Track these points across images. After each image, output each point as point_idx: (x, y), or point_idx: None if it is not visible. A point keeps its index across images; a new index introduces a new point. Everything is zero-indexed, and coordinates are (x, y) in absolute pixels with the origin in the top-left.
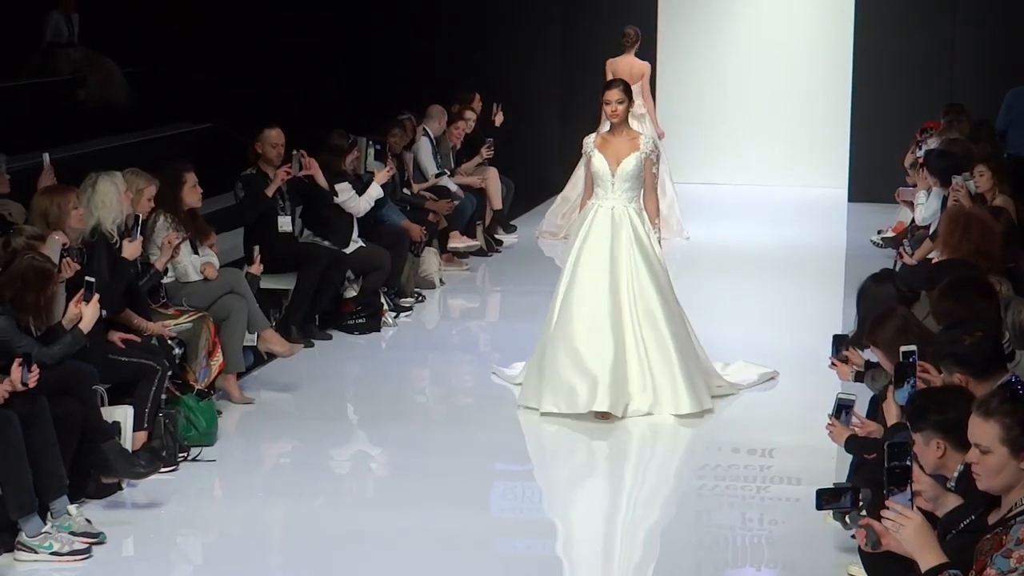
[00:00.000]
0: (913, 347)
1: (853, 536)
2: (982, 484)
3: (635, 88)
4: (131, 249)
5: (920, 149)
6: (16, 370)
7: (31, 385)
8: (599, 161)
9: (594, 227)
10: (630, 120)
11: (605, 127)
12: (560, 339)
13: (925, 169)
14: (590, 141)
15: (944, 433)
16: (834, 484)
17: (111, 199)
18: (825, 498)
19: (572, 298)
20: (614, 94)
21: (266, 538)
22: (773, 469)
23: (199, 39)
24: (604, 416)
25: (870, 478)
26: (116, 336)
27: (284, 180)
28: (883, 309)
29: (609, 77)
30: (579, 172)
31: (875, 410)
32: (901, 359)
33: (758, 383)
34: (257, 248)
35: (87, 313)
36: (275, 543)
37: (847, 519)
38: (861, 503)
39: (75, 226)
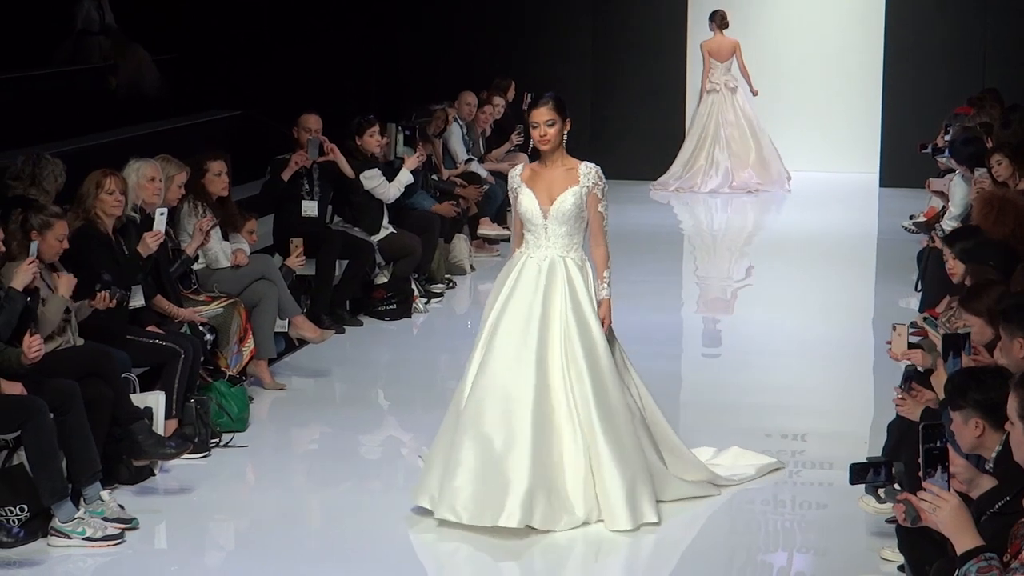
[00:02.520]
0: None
1: (890, 520)
2: (1016, 456)
3: (728, 63)
4: (148, 242)
5: (947, 134)
6: None
7: None
8: (527, 199)
9: (520, 284)
10: (718, 91)
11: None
12: (470, 425)
13: (951, 156)
14: (516, 174)
15: (984, 412)
16: (867, 458)
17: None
18: (858, 472)
19: (488, 373)
20: (542, 114)
21: (298, 523)
22: (805, 454)
23: (230, 26)
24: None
25: (911, 457)
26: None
27: (298, 165)
28: (982, 279)
29: (706, 59)
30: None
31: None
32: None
33: (755, 477)
34: (297, 241)
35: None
36: (307, 528)
37: (881, 493)
38: (895, 476)
39: (108, 211)
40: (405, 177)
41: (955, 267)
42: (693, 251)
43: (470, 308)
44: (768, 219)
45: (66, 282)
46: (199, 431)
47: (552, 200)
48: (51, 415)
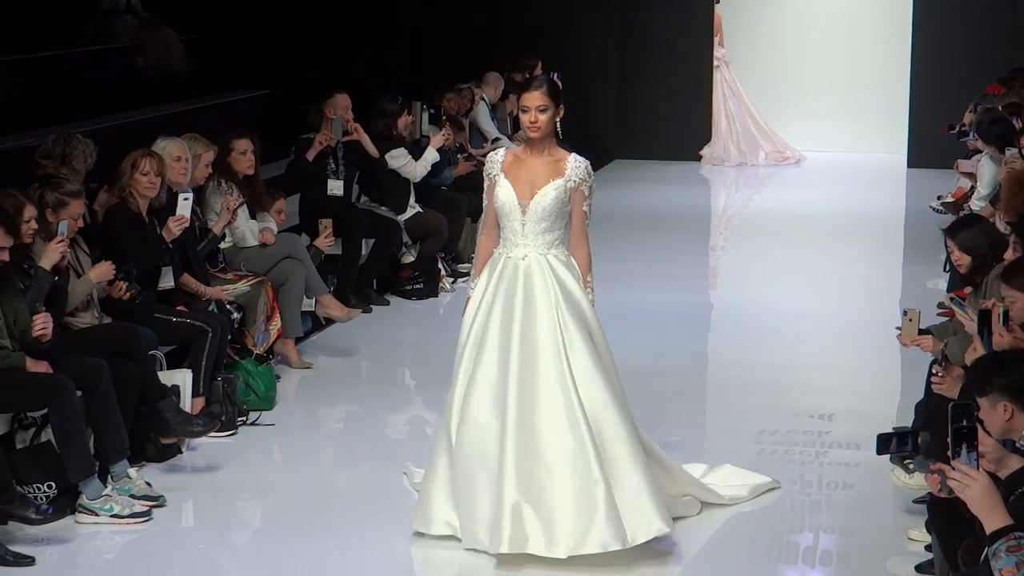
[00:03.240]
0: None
1: (919, 500)
2: None
3: (720, 39)
4: (172, 227)
5: (974, 114)
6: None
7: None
8: (505, 191)
9: (500, 290)
10: (717, 67)
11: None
12: (469, 445)
13: (978, 136)
14: (496, 160)
15: (1011, 395)
16: (893, 428)
17: None
18: (884, 442)
19: (474, 394)
20: (534, 98)
21: (324, 502)
22: (832, 434)
23: (256, 6)
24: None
25: (940, 436)
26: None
27: (322, 144)
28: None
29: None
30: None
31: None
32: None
33: (748, 498)
34: (326, 222)
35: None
36: (333, 507)
37: (910, 465)
38: (920, 446)
39: (142, 192)
40: (431, 155)
41: (961, 259)
42: (720, 230)
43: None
44: (796, 199)
45: (101, 270)
46: (226, 409)
47: (533, 193)
48: (78, 393)
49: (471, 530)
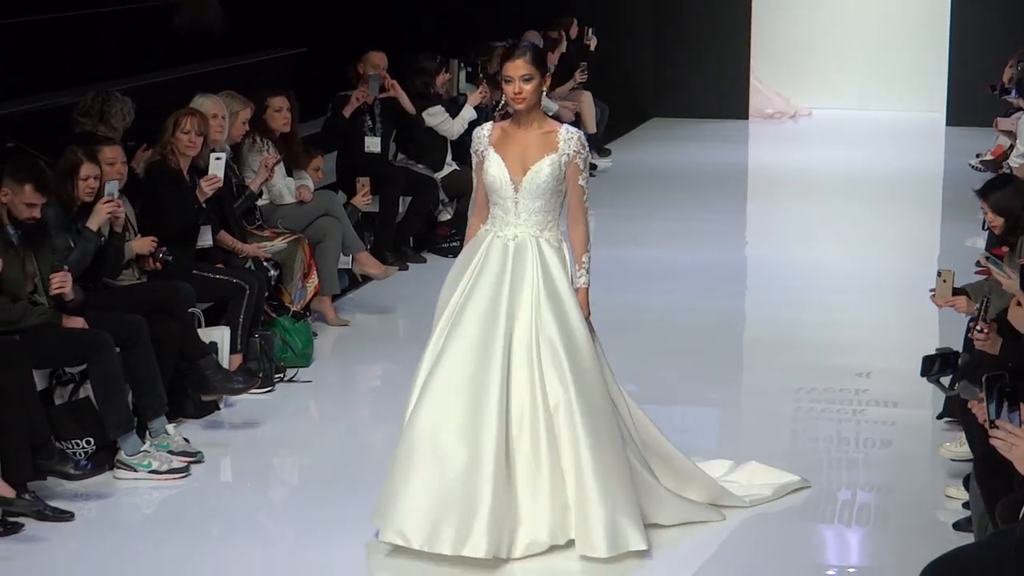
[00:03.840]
0: None
1: (956, 460)
2: None
3: None
4: (204, 188)
5: (1015, 70)
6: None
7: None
8: (496, 166)
9: (485, 268)
10: None
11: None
12: (422, 436)
13: (1018, 94)
14: (483, 135)
15: None
16: (936, 350)
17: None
18: (929, 363)
19: (440, 374)
20: (518, 67)
21: (361, 459)
22: (869, 392)
23: None
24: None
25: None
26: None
27: (359, 101)
28: None
29: None
30: None
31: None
32: None
33: (772, 498)
34: (364, 180)
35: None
36: (370, 463)
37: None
38: (960, 365)
39: (183, 150)
40: (468, 113)
41: (994, 220)
42: (757, 188)
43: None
44: (834, 157)
45: (141, 243)
46: (263, 366)
47: (525, 169)
48: (117, 349)
49: (396, 525)
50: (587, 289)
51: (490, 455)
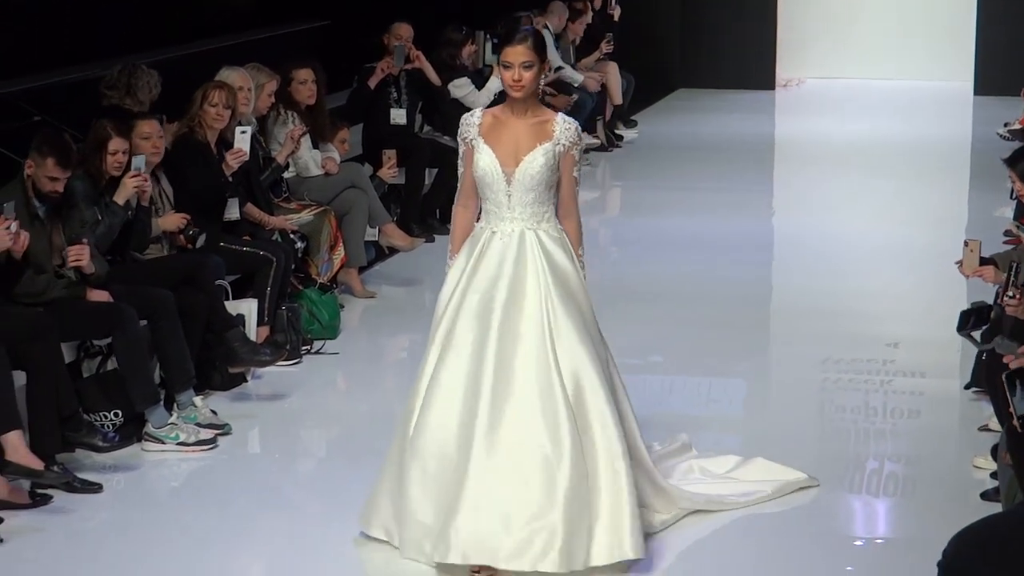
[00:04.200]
0: None
1: (983, 428)
2: None
3: None
4: (230, 161)
5: None
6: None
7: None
8: (486, 158)
9: (482, 266)
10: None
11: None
12: (432, 449)
13: None
14: (473, 122)
15: None
16: (972, 304)
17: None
18: (965, 316)
19: (442, 382)
20: (518, 53)
21: (388, 430)
22: (897, 363)
23: None
24: (481, 571)
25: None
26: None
27: (384, 72)
28: None
29: None
30: None
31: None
32: None
33: (771, 497)
34: (390, 153)
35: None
36: None
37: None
38: (992, 319)
39: (210, 123)
40: (494, 85)
41: (1022, 189)
42: (784, 158)
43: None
44: (862, 127)
45: (172, 220)
46: (290, 338)
47: (518, 160)
48: (142, 323)
49: (414, 539)
50: (584, 281)
51: (476, 458)
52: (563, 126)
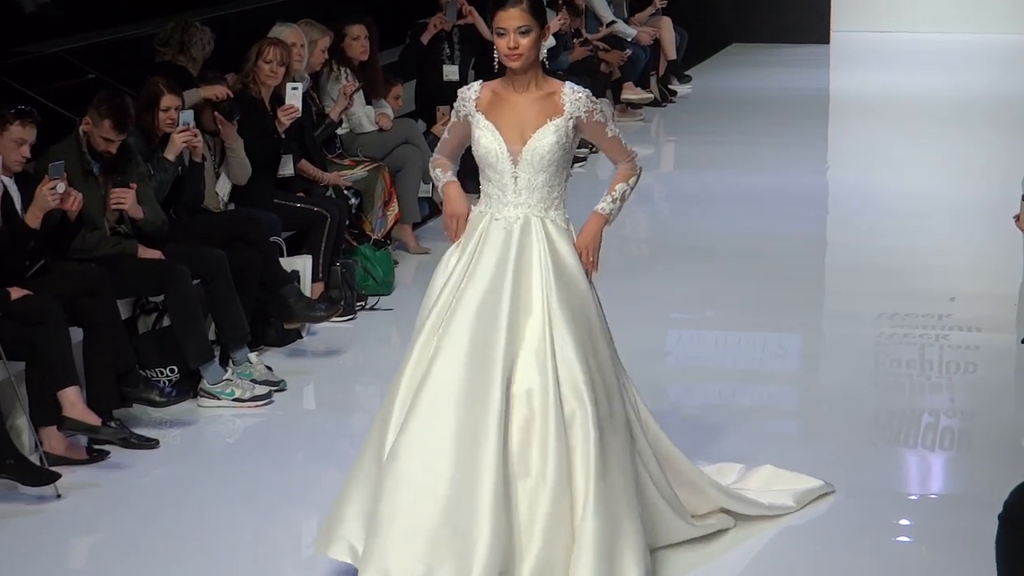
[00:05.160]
0: None
1: None
2: None
3: None
4: (281, 118)
5: None
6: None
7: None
8: (489, 136)
9: (481, 259)
10: None
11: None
12: (411, 464)
13: None
14: (470, 97)
15: None
16: None
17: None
18: None
19: (430, 387)
20: (511, 17)
21: None
22: (953, 317)
23: None
24: None
25: None
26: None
27: (437, 28)
28: None
29: None
30: None
31: None
32: None
33: (796, 508)
34: (444, 109)
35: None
36: None
37: None
38: None
39: (264, 79)
40: (547, 40)
41: None
42: (840, 113)
43: (614, 171)
44: (919, 81)
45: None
46: (345, 294)
47: (525, 138)
48: (195, 281)
49: (382, 564)
50: (605, 220)
51: (489, 483)
52: (572, 97)
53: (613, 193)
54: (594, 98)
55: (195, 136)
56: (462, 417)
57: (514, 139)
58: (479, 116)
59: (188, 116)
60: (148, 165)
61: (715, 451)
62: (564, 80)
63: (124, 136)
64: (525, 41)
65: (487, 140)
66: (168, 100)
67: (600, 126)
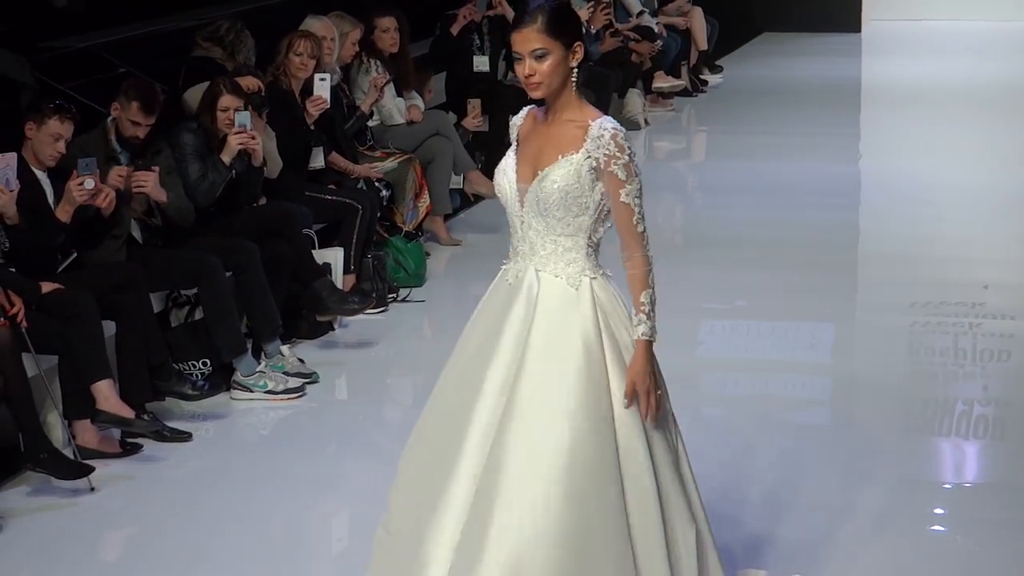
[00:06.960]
0: None
1: None
2: None
3: None
4: (310, 109)
5: None
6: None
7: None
8: (501, 172)
9: (478, 319)
10: None
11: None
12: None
13: None
14: (516, 123)
15: None
16: None
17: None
18: None
19: (415, 453)
20: (526, 40)
21: None
22: (986, 306)
23: None
24: None
25: None
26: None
27: (467, 19)
28: None
29: None
30: None
31: None
32: None
33: None
34: (475, 102)
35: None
36: None
37: None
38: None
39: (294, 72)
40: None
41: None
42: (871, 102)
43: (645, 162)
44: (953, 69)
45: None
46: (377, 286)
47: (535, 173)
48: (228, 274)
49: None
50: (649, 342)
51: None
52: (596, 134)
53: (643, 308)
54: (625, 142)
55: (254, 139)
56: (427, 496)
57: (526, 175)
58: (515, 147)
59: (244, 118)
60: (201, 164)
61: (745, 442)
62: (604, 112)
63: (151, 121)
64: (543, 67)
65: (498, 176)
66: (227, 100)
67: (615, 181)
